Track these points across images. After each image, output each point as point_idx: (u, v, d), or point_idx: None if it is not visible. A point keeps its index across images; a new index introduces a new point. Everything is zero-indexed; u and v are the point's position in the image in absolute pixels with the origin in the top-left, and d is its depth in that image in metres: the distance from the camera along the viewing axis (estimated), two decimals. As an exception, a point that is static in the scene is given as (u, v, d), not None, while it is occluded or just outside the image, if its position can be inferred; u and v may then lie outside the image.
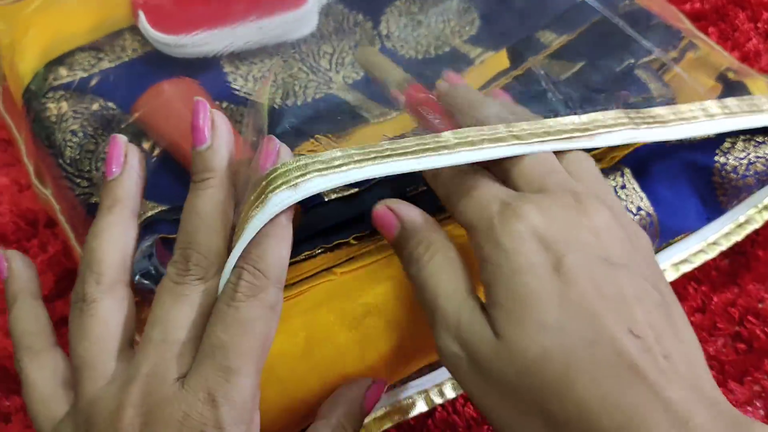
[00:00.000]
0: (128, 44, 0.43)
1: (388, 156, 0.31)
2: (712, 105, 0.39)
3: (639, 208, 0.39)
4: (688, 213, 0.41)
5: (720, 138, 0.40)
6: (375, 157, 0.31)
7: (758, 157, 0.40)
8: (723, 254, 0.44)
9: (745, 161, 0.40)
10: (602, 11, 0.44)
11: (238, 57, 0.43)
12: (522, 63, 0.42)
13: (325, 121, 0.40)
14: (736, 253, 0.45)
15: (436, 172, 0.33)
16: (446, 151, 0.31)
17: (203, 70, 0.42)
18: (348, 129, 0.39)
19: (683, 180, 0.40)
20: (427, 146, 0.32)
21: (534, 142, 0.33)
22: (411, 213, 0.32)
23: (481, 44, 0.43)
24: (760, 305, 0.43)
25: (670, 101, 0.40)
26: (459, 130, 0.33)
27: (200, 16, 0.42)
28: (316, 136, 0.38)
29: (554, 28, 0.44)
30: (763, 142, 0.41)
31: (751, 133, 0.41)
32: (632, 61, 0.42)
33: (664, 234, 0.40)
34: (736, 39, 0.56)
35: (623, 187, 0.39)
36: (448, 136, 0.32)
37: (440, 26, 0.44)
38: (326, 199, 0.35)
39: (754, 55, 0.55)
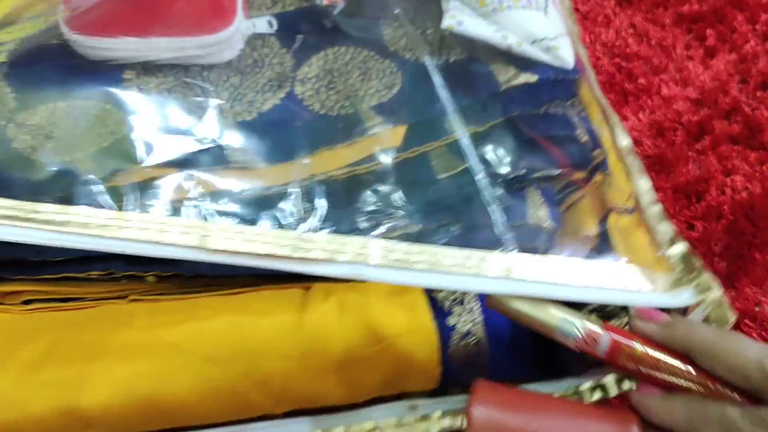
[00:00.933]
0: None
1: None
2: (511, 263, 0.33)
3: (468, 332, 0.35)
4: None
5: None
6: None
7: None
8: (720, 257, 0.41)
9: None
10: (521, 109, 0.40)
11: (145, 67, 0.41)
12: (414, 147, 0.39)
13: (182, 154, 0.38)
14: (733, 256, 0.43)
15: None
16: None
17: (103, 69, 0.41)
18: (201, 168, 0.38)
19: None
20: None
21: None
22: None
23: (384, 114, 0.40)
24: (757, 309, 0.41)
25: (541, 233, 0.37)
26: None
27: (116, 23, 0.40)
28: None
29: (466, 114, 0.40)
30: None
31: (600, 308, 0.36)
32: (524, 172, 0.38)
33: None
34: (734, 41, 0.54)
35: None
36: None
37: (358, 85, 0.41)
38: None
39: (752, 57, 0.53)
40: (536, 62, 0.41)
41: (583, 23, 0.57)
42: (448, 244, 0.34)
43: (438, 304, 0.35)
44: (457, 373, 0.36)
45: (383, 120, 0.40)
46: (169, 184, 0.37)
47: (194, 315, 0.34)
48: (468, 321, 0.35)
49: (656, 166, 0.51)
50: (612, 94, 0.54)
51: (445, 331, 0.35)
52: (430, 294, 0.36)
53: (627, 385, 0.37)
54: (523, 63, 0.41)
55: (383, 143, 0.39)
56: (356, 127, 0.40)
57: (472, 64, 0.41)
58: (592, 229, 0.38)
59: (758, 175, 0.49)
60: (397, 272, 0.32)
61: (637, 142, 0.52)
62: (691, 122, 0.52)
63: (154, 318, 0.34)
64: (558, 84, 0.41)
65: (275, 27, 0.43)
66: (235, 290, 0.36)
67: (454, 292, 0.36)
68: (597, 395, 0.37)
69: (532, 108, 0.40)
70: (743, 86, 0.53)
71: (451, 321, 0.35)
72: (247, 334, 0.33)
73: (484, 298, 0.36)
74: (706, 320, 0.34)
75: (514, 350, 0.36)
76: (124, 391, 0.32)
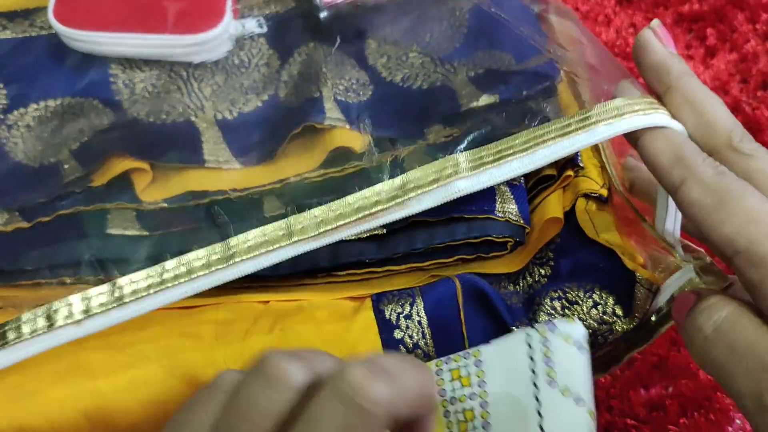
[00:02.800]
0: (38, 22, 0.43)
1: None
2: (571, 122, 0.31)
3: (416, 345, 0.35)
4: None
5: (529, 302, 0.36)
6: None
7: None
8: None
9: None
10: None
11: (131, 62, 0.41)
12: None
13: (160, 147, 0.39)
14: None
15: None
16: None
17: (90, 63, 0.41)
18: (178, 163, 0.38)
19: (490, 331, 0.36)
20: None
21: (316, 234, 0.30)
22: None
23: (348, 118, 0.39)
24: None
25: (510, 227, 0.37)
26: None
27: (104, 17, 0.41)
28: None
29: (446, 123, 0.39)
30: (575, 302, 0.35)
31: (563, 291, 0.36)
32: None
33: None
34: (734, 40, 0.54)
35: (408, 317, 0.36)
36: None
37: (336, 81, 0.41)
38: None
39: (752, 57, 0.52)
40: (500, 82, 0.40)
41: (584, 23, 0.57)
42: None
43: (386, 318, 0.35)
44: None
45: (344, 118, 0.39)
46: (143, 180, 0.38)
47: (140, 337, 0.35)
48: (416, 334, 0.35)
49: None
50: (613, 94, 0.54)
51: (391, 346, 0.35)
52: (379, 307, 0.36)
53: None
54: (487, 84, 0.40)
55: (339, 141, 0.38)
56: (314, 111, 0.39)
57: (441, 95, 0.40)
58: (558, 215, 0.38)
59: (758, 174, 0.49)
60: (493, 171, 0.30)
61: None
62: (691, 122, 0.52)
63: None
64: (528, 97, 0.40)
65: (265, 27, 0.42)
66: (196, 304, 0.36)
67: (403, 306, 0.36)
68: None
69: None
70: (744, 86, 0.52)
71: (398, 335, 0.35)
72: (186, 359, 0.34)
73: (431, 311, 0.36)
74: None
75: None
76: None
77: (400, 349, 0.35)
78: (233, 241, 0.31)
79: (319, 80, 0.40)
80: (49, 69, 0.41)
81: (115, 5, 0.41)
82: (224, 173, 0.38)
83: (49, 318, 0.30)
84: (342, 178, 0.38)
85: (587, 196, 0.39)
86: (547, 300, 0.36)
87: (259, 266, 0.31)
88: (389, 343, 0.35)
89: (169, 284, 0.30)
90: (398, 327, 0.35)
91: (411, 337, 0.35)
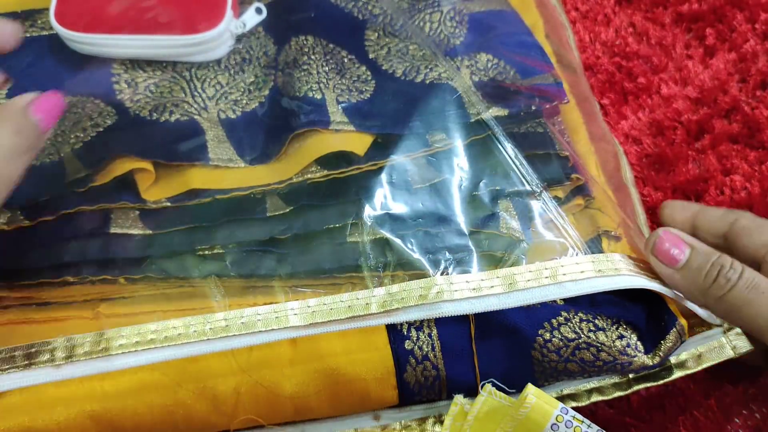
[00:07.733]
0: (39, 23, 0.43)
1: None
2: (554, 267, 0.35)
3: (425, 356, 0.35)
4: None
5: (555, 310, 0.36)
6: None
7: (589, 344, 0.35)
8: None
9: (572, 344, 0.35)
10: (498, 126, 0.39)
11: (133, 62, 0.41)
12: (380, 159, 0.38)
13: (164, 146, 0.38)
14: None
15: None
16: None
17: (92, 63, 0.41)
18: (183, 161, 0.38)
19: (502, 342, 0.36)
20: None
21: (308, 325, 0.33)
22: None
23: (350, 116, 0.39)
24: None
25: (513, 244, 0.37)
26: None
27: (105, 19, 0.41)
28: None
29: (446, 130, 0.39)
30: (602, 329, 0.35)
31: (593, 315, 0.35)
32: (499, 188, 0.38)
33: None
34: (733, 40, 0.54)
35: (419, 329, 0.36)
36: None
37: (330, 75, 0.41)
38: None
39: (752, 57, 0.53)
40: (507, 96, 0.40)
41: (583, 22, 0.57)
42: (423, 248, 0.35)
43: (397, 328, 0.35)
44: (415, 393, 0.36)
45: (348, 121, 0.39)
46: (146, 180, 0.38)
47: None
48: (426, 346, 0.35)
49: (656, 165, 0.50)
50: (612, 93, 0.54)
51: (401, 356, 0.35)
52: None
53: (597, 397, 0.38)
54: (495, 97, 0.40)
55: (345, 145, 0.38)
56: (317, 110, 0.39)
57: (446, 93, 0.40)
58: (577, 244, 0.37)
59: (757, 174, 0.49)
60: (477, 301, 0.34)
61: (636, 140, 0.51)
62: (690, 121, 0.52)
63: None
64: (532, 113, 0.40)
65: (264, 14, 0.42)
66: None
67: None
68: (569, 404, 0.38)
69: (512, 122, 0.40)
70: (743, 85, 0.53)
71: (408, 345, 0.35)
72: (195, 358, 0.34)
73: (442, 324, 0.35)
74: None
75: (474, 372, 0.36)
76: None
77: (408, 360, 0.35)
78: (230, 314, 0.33)
79: (319, 76, 0.40)
80: (50, 68, 0.41)
81: (116, 7, 0.41)
82: (227, 172, 0.38)
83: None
84: (342, 180, 0.38)
85: (607, 234, 0.39)
86: (576, 319, 0.35)
87: (253, 342, 0.33)
88: (399, 352, 0.35)
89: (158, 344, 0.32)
90: (409, 338, 0.35)
91: (420, 348, 0.35)
